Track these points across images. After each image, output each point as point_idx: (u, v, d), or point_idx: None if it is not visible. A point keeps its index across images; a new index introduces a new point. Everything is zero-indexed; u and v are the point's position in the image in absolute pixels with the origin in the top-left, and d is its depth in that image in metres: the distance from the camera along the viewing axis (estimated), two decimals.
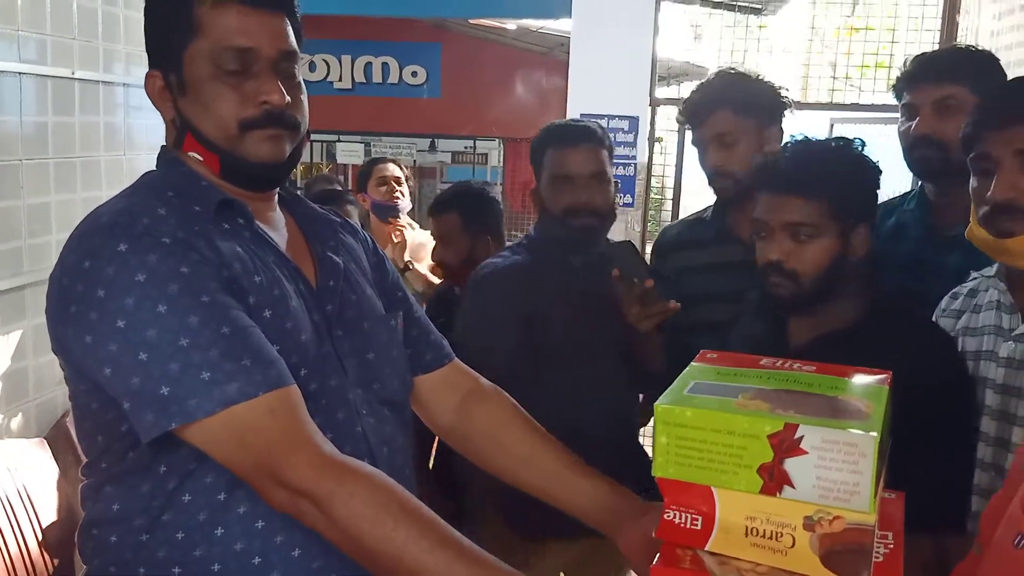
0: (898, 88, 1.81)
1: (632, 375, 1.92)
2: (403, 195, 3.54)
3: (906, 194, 1.91)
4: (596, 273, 1.84)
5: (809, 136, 1.49)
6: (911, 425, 1.10)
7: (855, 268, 1.43)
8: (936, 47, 3.68)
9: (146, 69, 1.13)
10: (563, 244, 1.94)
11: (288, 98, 1.09)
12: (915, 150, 1.75)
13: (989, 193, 1.27)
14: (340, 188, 3.54)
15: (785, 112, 1.92)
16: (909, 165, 1.82)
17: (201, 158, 1.10)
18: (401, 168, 3.63)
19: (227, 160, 1.09)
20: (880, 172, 1.46)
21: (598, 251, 1.92)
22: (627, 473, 1.23)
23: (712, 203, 2.04)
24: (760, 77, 1.93)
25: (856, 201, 1.42)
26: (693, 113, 1.92)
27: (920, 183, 1.87)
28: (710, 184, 1.95)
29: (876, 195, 1.48)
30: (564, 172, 1.90)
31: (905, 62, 1.83)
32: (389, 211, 3.47)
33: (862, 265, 1.44)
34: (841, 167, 1.42)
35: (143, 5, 1.14)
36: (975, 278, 1.50)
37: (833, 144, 1.46)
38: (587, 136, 1.91)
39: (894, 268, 1.74)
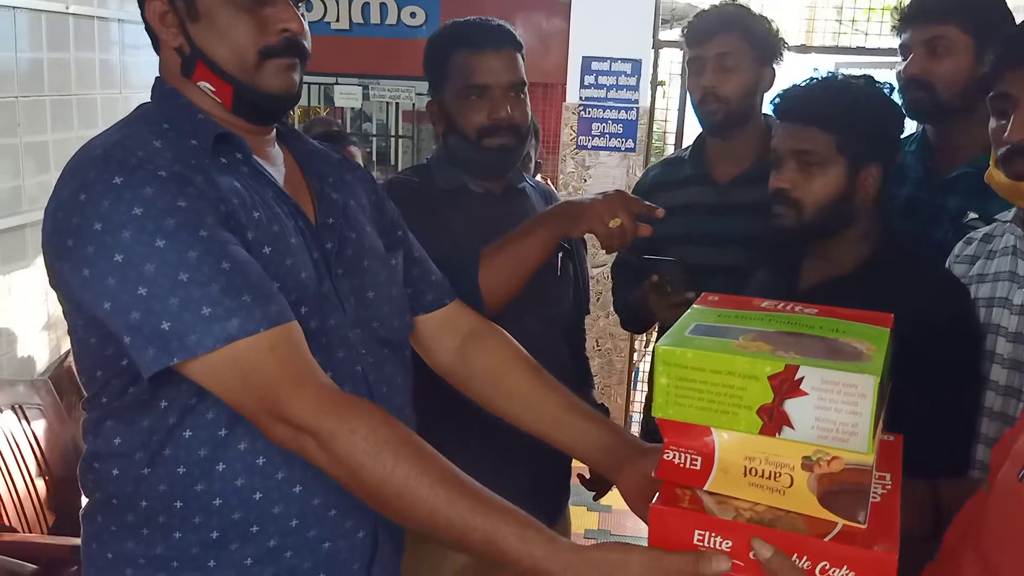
0: (897, 29, 1.80)
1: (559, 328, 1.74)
2: None
3: (909, 136, 1.90)
4: (504, 207, 1.63)
5: (832, 72, 1.49)
6: (915, 368, 1.10)
7: (867, 209, 1.42)
8: None
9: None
10: (473, 168, 1.63)
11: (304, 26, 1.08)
12: (906, 91, 1.74)
13: (1006, 134, 1.25)
14: (340, 129, 3.48)
15: (780, 58, 1.90)
16: (904, 106, 1.81)
17: (213, 88, 1.07)
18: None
19: (241, 91, 1.07)
20: (903, 117, 1.44)
21: (510, 182, 1.68)
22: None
23: (692, 142, 2.02)
24: (764, 16, 1.90)
25: (868, 139, 1.40)
26: (699, 30, 1.87)
27: (922, 125, 1.86)
28: (697, 108, 1.90)
29: (894, 138, 1.46)
30: (479, 81, 1.56)
31: (900, 2, 1.82)
32: None
33: (875, 207, 1.43)
34: (857, 103, 1.40)
35: None
36: (973, 218, 1.50)
37: (855, 80, 1.45)
38: (506, 38, 1.60)
39: (893, 210, 1.74)
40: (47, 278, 1.05)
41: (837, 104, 1.40)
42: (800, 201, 1.41)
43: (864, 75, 1.47)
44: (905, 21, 1.76)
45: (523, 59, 1.64)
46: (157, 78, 1.13)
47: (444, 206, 1.61)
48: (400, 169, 6.32)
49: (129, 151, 0.98)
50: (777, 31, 1.89)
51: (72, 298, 1.01)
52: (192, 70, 1.07)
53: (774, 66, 1.89)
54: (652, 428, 1.88)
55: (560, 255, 1.67)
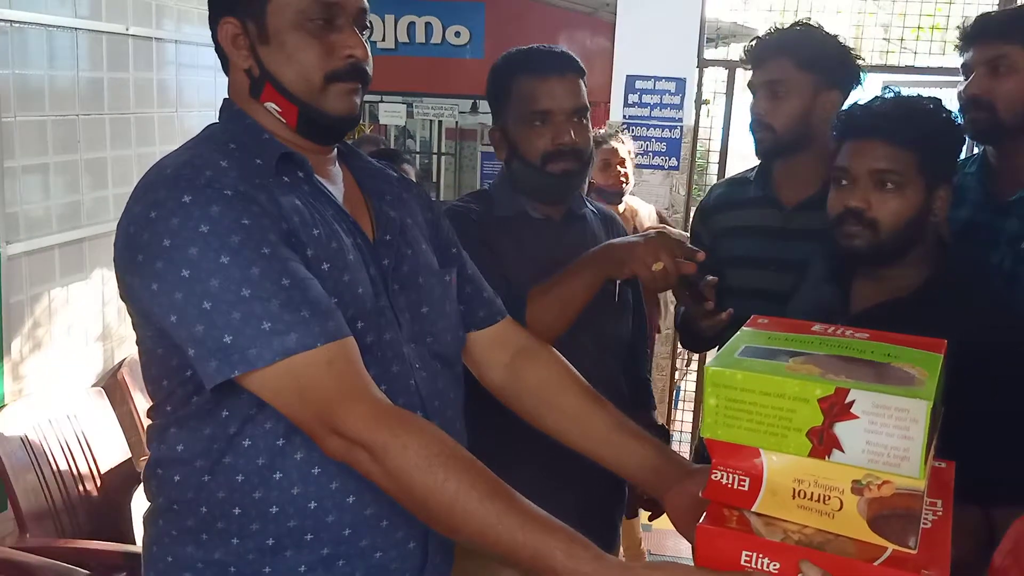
0: (959, 48, 1.78)
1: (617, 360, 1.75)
2: (628, 179, 3.24)
3: (968, 157, 1.88)
4: (563, 233, 1.64)
5: (897, 90, 1.47)
6: (973, 393, 1.09)
7: (931, 231, 1.41)
8: (995, 8, 3.58)
9: (196, 27, 1.13)
10: (536, 193, 1.65)
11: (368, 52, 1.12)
12: (966, 111, 1.72)
13: None
14: (388, 147, 3.53)
15: (854, 82, 1.84)
16: (963, 127, 1.79)
17: (279, 109, 1.12)
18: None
19: (306, 112, 1.11)
20: (965, 137, 1.44)
21: (569, 208, 1.68)
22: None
23: (759, 163, 2.00)
24: (838, 38, 1.84)
25: (943, 160, 1.40)
26: (753, 55, 1.85)
27: (983, 147, 1.84)
28: (750, 131, 1.88)
29: (957, 159, 1.46)
30: (542, 107, 1.58)
31: (963, 23, 1.80)
32: (614, 197, 3.20)
33: (935, 230, 1.42)
34: (933, 122, 1.39)
35: None
36: None
37: (927, 100, 1.43)
38: (569, 64, 1.62)
39: (950, 231, 1.72)
40: (117, 289, 1.09)
41: (919, 123, 1.38)
42: (877, 221, 1.37)
43: (932, 96, 1.45)
44: (967, 40, 1.74)
45: (585, 85, 1.65)
46: (225, 99, 1.17)
47: (501, 235, 1.62)
48: (442, 183, 6.39)
49: (198, 170, 1.03)
50: (849, 55, 1.83)
51: (141, 310, 1.05)
52: (260, 91, 1.12)
53: (842, 90, 1.82)
54: (704, 450, 1.84)
55: (617, 281, 1.66)
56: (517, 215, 1.66)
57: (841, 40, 1.84)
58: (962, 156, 1.61)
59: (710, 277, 1.51)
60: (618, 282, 1.67)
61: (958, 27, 1.81)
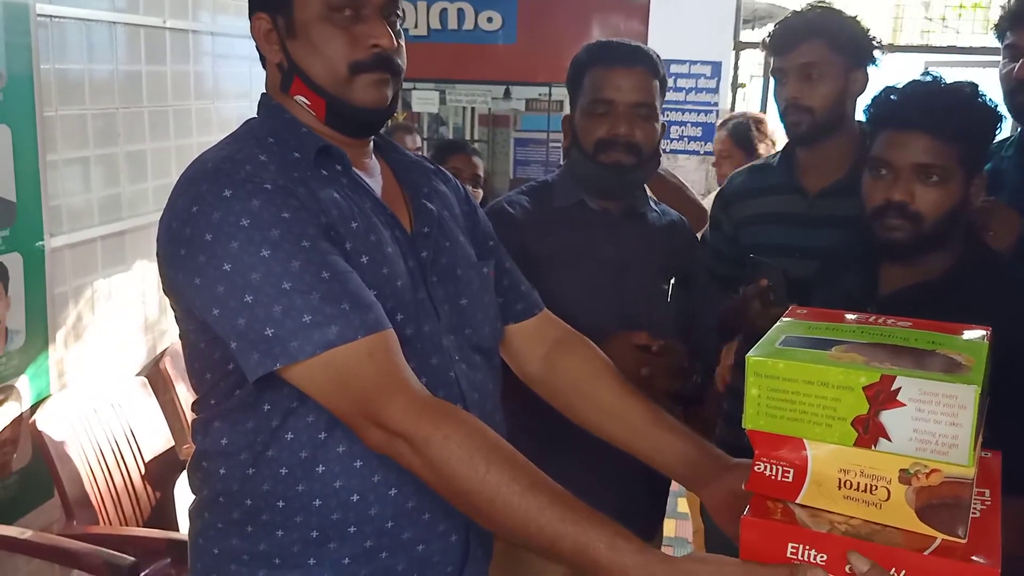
0: (1000, 28, 1.73)
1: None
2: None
3: (1004, 140, 1.83)
4: (620, 227, 1.64)
5: (935, 75, 1.43)
6: (1006, 383, 1.07)
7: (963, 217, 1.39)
8: None
9: (232, 18, 1.14)
10: (588, 183, 1.64)
11: (396, 43, 1.11)
12: (1017, 94, 1.67)
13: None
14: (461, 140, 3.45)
15: (873, 61, 1.83)
16: (1010, 109, 1.74)
17: (308, 102, 1.12)
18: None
19: (333, 104, 1.11)
20: (1002, 121, 1.41)
21: (632, 204, 1.67)
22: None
23: (782, 149, 1.97)
24: (856, 17, 1.84)
25: (982, 149, 1.39)
26: (782, 39, 1.82)
27: (1021, 128, 1.79)
28: (782, 118, 1.86)
29: (992, 145, 1.45)
30: (604, 96, 1.58)
31: (1009, 1, 1.74)
32: None
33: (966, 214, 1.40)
34: (974, 112, 1.37)
35: None
36: None
37: (966, 87, 1.40)
38: (640, 58, 1.61)
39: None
40: (160, 283, 1.10)
41: (962, 115, 1.35)
42: (920, 214, 1.36)
43: (970, 82, 1.42)
44: (1017, 20, 1.68)
45: (662, 87, 1.65)
46: (263, 94, 1.18)
47: (555, 226, 1.61)
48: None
49: (238, 165, 1.03)
50: (868, 32, 1.82)
51: (184, 304, 1.07)
52: (289, 84, 1.12)
53: (867, 69, 1.82)
54: (726, 438, 1.82)
55: (672, 282, 1.65)
56: (575, 205, 1.66)
57: (859, 19, 1.83)
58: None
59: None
60: (672, 282, 1.66)
61: (1002, 7, 1.76)
